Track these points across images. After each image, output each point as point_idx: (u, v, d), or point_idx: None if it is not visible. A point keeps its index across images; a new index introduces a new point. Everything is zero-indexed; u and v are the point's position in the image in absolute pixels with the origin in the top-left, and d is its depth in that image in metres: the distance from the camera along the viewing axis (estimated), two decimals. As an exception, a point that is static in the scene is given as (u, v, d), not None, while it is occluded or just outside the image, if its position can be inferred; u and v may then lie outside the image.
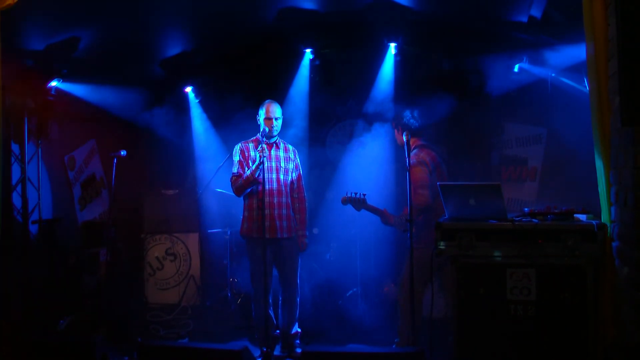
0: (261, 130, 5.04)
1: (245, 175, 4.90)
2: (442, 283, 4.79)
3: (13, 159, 5.99)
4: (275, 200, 4.97)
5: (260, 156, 4.72)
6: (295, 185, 5.18)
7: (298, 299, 5.17)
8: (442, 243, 3.74)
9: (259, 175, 4.75)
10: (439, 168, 4.75)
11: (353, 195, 4.80)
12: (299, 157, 5.30)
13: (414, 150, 4.75)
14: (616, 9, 2.75)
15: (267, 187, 4.88)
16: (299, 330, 5.21)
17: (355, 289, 6.19)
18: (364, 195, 4.79)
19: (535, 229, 3.59)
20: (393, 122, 4.97)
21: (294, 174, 5.16)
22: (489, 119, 6.36)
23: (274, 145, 5.08)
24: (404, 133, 4.49)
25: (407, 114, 4.84)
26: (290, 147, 5.23)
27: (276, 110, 5.03)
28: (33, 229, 6.14)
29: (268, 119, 4.99)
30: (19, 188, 6.03)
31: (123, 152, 5.48)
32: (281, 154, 5.10)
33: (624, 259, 3.13)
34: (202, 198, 6.83)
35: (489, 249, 3.65)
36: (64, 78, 6.02)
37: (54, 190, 6.63)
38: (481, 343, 3.66)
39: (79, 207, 7.04)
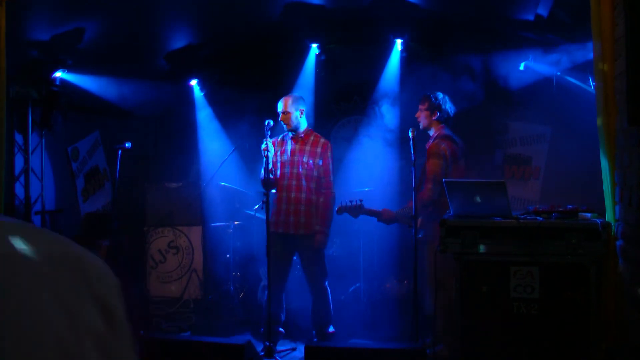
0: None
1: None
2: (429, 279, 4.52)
3: (16, 150, 5.99)
4: (293, 195, 4.94)
5: (265, 154, 4.75)
6: (324, 181, 5.02)
7: (330, 305, 5.12)
8: (446, 240, 3.73)
9: (270, 170, 4.78)
10: (457, 163, 4.63)
11: (349, 203, 4.65)
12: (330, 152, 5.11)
13: (435, 140, 4.62)
14: (624, 8, 2.74)
15: (284, 182, 4.89)
16: (333, 330, 5.18)
17: (358, 285, 6.19)
18: (361, 200, 4.67)
19: (539, 227, 3.59)
20: (427, 101, 4.71)
21: (320, 169, 5.00)
22: (493, 118, 6.35)
23: (290, 140, 5.04)
24: (410, 130, 4.43)
25: (440, 94, 4.70)
26: (321, 141, 5.08)
27: (280, 104, 5.03)
28: (36, 220, 6.15)
29: (278, 113, 5.01)
30: (22, 178, 6.03)
31: (128, 144, 5.48)
32: (307, 147, 5.02)
33: (628, 258, 3.13)
34: (205, 191, 6.83)
35: (493, 247, 3.65)
36: (69, 69, 6.02)
37: (57, 181, 6.63)
38: (484, 340, 3.67)
39: (82, 198, 7.04)
